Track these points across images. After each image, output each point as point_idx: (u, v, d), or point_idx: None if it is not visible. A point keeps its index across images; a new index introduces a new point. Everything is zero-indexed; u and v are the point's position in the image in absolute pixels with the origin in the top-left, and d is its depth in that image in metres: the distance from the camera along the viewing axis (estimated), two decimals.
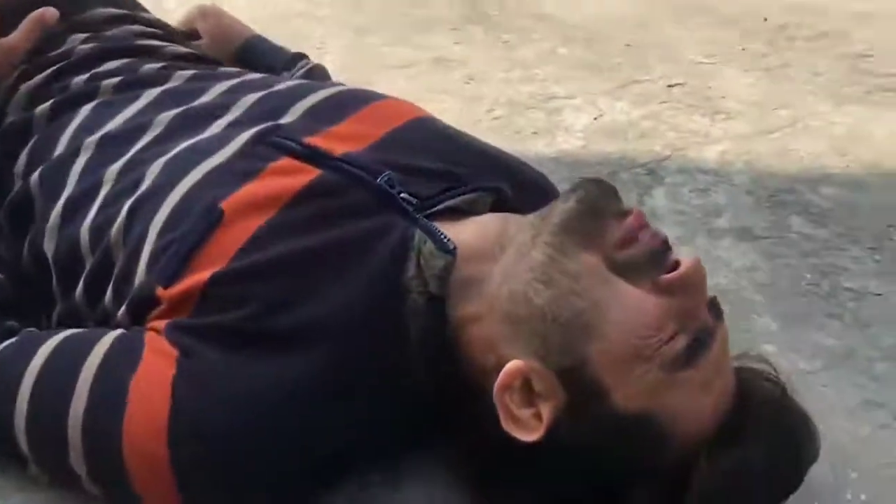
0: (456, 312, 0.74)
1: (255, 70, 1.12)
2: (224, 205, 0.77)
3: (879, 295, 1.10)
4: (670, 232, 1.21)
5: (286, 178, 0.80)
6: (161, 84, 0.94)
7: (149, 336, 0.75)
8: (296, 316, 0.73)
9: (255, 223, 0.77)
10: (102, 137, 0.88)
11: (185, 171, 0.81)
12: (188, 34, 1.22)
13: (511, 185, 0.89)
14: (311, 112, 0.89)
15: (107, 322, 0.81)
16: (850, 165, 1.41)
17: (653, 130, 1.51)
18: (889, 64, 1.72)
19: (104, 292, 0.81)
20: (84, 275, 0.83)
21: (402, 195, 0.80)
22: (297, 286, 0.74)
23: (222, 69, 1.03)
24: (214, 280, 0.74)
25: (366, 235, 0.77)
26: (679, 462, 0.70)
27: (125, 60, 0.99)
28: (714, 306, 0.73)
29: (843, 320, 1.06)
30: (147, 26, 1.11)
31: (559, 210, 0.73)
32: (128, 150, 0.87)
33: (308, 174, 0.81)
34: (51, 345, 0.75)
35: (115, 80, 0.95)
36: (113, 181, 0.84)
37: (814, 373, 0.97)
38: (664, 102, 1.61)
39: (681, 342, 0.69)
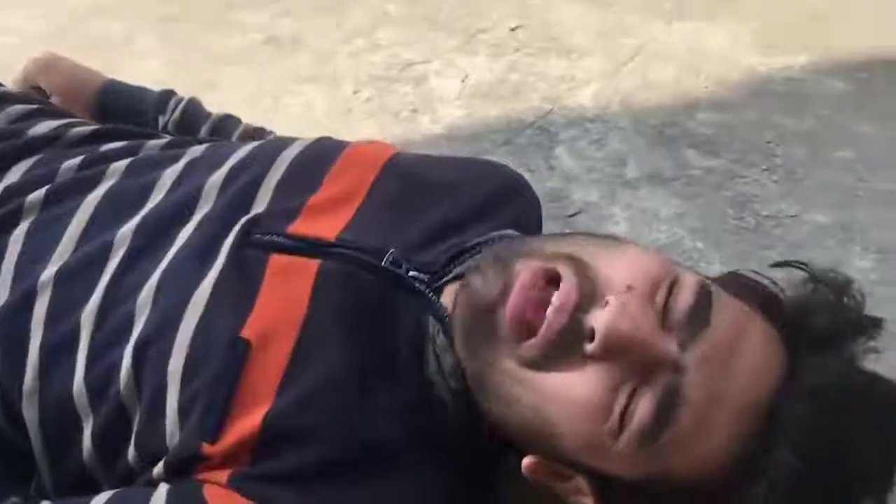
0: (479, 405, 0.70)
1: (123, 117, 1.02)
2: (246, 334, 0.70)
3: (794, 216, 1.20)
4: (590, 193, 1.26)
5: (290, 281, 0.73)
6: (93, 187, 0.82)
7: (210, 491, 0.67)
8: (359, 441, 0.68)
9: (285, 347, 0.69)
10: (59, 274, 0.76)
11: (182, 302, 0.72)
12: (38, 93, 1.07)
13: (506, 207, 0.86)
14: (283, 187, 0.81)
15: (131, 478, 0.72)
16: (708, 87, 1.50)
17: (522, 84, 1.52)
18: None
19: (122, 449, 0.72)
20: (91, 433, 0.73)
21: (410, 274, 0.75)
22: (349, 409, 0.68)
23: (147, 144, 0.90)
24: (268, 424, 0.66)
25: (389, 332, 0.72)
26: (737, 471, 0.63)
27: (32, 159, 0.85)
28: (694, 316, 0.62)
29: (778, 250, 1.14)
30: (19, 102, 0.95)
31: (457, 320, 0.68)
32: (96, 284, 0.75)
33: (308, 271, 0.73)
34: None
35: (39, 192, 0.81)
36: (93, 325, 0.73)
37: None
38: (518, 50, 1.62)
39: (644, 404, 0.61)
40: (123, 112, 1.06)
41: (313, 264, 0.73)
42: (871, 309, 0.65)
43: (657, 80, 1.52)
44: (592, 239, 0.71)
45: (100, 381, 0.71)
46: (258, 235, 0.75)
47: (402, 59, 1.60)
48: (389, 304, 0.73)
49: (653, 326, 0.61)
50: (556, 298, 0.63)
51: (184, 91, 1.06)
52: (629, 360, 0.61)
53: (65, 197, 0.81)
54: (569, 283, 0.63)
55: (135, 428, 0.71)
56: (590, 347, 0.61)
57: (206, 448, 0.66)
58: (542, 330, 0.62)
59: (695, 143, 1.36)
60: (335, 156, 0.84)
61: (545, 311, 0.63)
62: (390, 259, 0.74)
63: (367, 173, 0.82)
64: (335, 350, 0.70)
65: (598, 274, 0.64)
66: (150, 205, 0.79)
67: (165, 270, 0.74)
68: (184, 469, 0.67)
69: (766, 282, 0.70)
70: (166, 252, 0.75)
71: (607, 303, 0.61)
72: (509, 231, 0.78)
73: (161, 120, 1.07)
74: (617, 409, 0.61)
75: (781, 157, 1.32)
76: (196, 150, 0.86)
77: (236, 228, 0.75)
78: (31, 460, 0.76)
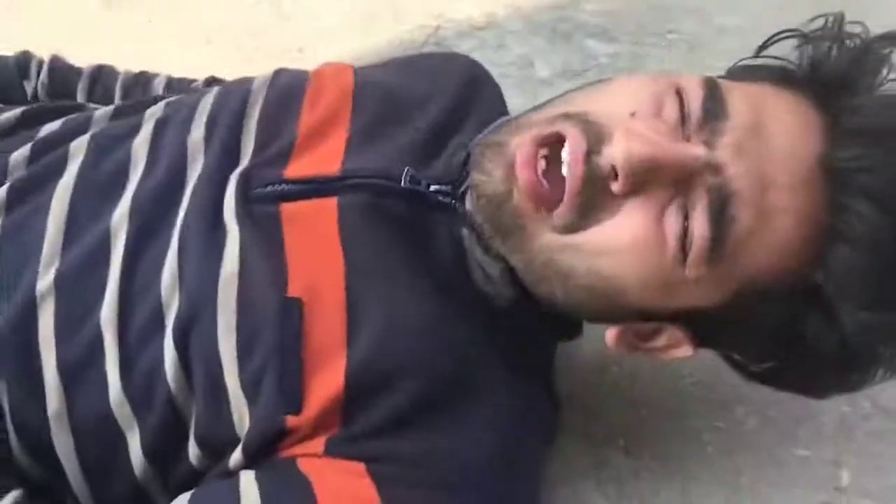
0: (539, 299, 0.68)
1: None
2: (294, 292, 0.63)
3: None
4: (512, 97, 1.24)
5: (313, 228, 0.67)
6: (58, 175, 0.71)
7: (307, 465, 0.61)
8: (440, 367, 0.64)
9: (338, 295, 0.64)
10: (59, 280, 0.66)
11: (212, 279, 0.64)
12: None
13: (480, 95, 0.83)
14: (263, 129, 0.74)
15: (195, 481, 0.65)
16: None
17: (398, 4, 1.46)
18: None
19: (181, 452, 0.65)
20: (141, 445, 0.65)
21: (431, 189, 0.70)
22: (421, 339, 0.64)
23: (94, 116, 0.79)
24: (351, 378, 0.61)
25: (430, 253, 0.68)
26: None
27: None
28: (709, 113, 0.59)
29: None
30: None
31: (483, 222, 0.66)
32: (105, 282, 0.66)
33: (328, 211, 0.68)
34: None
35: None
36: (116, 328, 0.64)
37: None
38: None
39: (697, 218, 0.58)
40: None
41: (330, 203, 0.68)
42: None
43: None
44: (575, 92, 0.68)
45: (142, 387, 0.64)
46: (258, 189, 0.69)
47: None
48: (421, 225, 0.69)
49: (669, 137, 0.59)
50: (565, 154, 0.60)
51: None
52: (662, 181, 0.58)
53: (28, 192, 0.71)
54: (571, 133, 0.60)
55: (192, 424, 0.64)
56: (616, 186, 0.59)
57: (291, 420, 0.60)
58: (567, 189, 0.60)
59: (591, 32, 1.36)
60: (302, 86, 0.78)
61: (559, 173, 0.60)
62: (408, 178, 0.69)
63: (341, 98, 0.77)
64: (387, 285, 0.65)
65: (598, 115, 0.61)
66: (133, 181, 0.71)
67: (181, 250, 0.66)
68: (268, 449, 0.62)
69: (769, 60, 0.68)
70: (172, 229, 0.67)
71: (614, 136, 0.59)
72: (501, 119, 0.75)
73: (28, 86, 0.96)
74: (671, 236, 0.59)
75: (675, 33, 1.34)
76: (155, 111, 0.78)
77: (231, 188, 0.68)
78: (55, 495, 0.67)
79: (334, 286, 0.64)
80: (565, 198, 0.60)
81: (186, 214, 0.68)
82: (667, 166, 0.58)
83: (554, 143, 0.62)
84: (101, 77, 0.99)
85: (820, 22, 0.66)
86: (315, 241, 0.66)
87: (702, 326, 0.65)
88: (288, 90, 0.77)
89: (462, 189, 0.70)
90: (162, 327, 0.64)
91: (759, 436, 0.83)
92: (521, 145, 0.62)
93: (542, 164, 0.61)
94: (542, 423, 0.71)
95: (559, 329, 0.74)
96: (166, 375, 0.63)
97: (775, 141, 0.59)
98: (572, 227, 0.61)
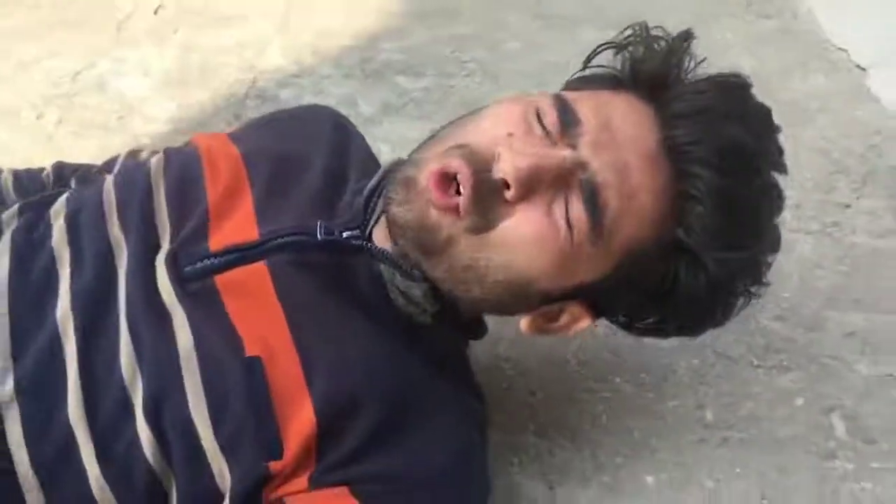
0: (460, 304, 0.79)
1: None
2: (252, 352, 0.71)
3: None
4: None
5: (250, 292, 0.75)
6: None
7: (295, 502, 0.69)
8: (393, 390, 0.74)
9: (288, 346, 0.72)
10: (18, 386, 0.70)
11: (170, 358, 0.71)
12: None
13: (350, 139, 0.94)
14: (174, 208, 0.80)
15: None
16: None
17: (206, 62, 1.51)
18: None
19: None
20: None
21: (344, 236, 0.79)
22: (369, 370, 0.74)
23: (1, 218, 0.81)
24: (321, 414, 0.70)
25: (357, 294, 0.78)
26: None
27: None
28: (565, 121, 0.71)
29: None
30: None
31: (409, 246, 0.76)
32: (65, 380, 0.70)
33: (260, 275, 0.75)
34: None
35: None
36: (85, 421, 0.69)
37: None
38: (176, 31, 1.59)
39: (576, 206, 0.70)
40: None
41: (259, 267, 0.76)
42: None
43: (308, 23, 1.60)
44: (458, 122, 0.79)
45: (121, 469, 0.70)
46: (188, 268, 0.75)
47: (64, 71, 1.48)
48: (342, 270, 0.78)
49: (543, 148, 0.71)
50: (459, 177, 0.71)
51: None
52: (544, 184, 0.70)
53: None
54: (457, 163, 0.71)
55: (174, 492, 0.70)
56: (509, 194, 0.70)
57: (274, 465, 0.68)
58: (463, 195, 0.70)
59: (398, 70, 1.49)
60: (198, 163, 0.84)
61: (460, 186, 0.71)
62: (322, 230, 0.78)
63: (236, 168, 0.84)
64: (327, 329, 0.74)
65: (479, 144, 0.72)
66: (65, 279, 0.76)
67: (133, 336, 0.72)
68: (253, 497, 0.69)
69: (598, 70, 0.81)
70: (117, 318, 0.73)
71: (500, 154, 0.71)
72: (393, 161, 0.84)
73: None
74: (561, 224, 0.70)
75: (475, 63, 1.50)
76: (59, 208, 0.81)
77: (162, 272, 0.75)
78: None
79: (283, 339, 0.72)
80: (464, 201, 0.70)
81: (129, 303, 0.72)
82: (545, 170, 0.69)
83: (449, 174, 0.72)
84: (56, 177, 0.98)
85: (629, 31, 0.80)
86: (254, 303, 0.73)
87: (596, 297, 0.78)
88: (186, 169, 0.83)
89: (368, 230, 0.80)
90: (130, 410, 0.69)
91: (637, 398, 0.99)
92: (429, 175, 0.72)
93: (451, 187, 0.72)
94: (478, 418, 0.82)
95: (470, 332, 0.86)
96: (144, 453, 0.68)
97: (622, 134, 0.72)
98: (482, 227, 0.71)
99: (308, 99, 1.42)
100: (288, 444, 0.69)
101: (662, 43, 0.78)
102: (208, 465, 0.69)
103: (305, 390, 0.70)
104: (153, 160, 0.85)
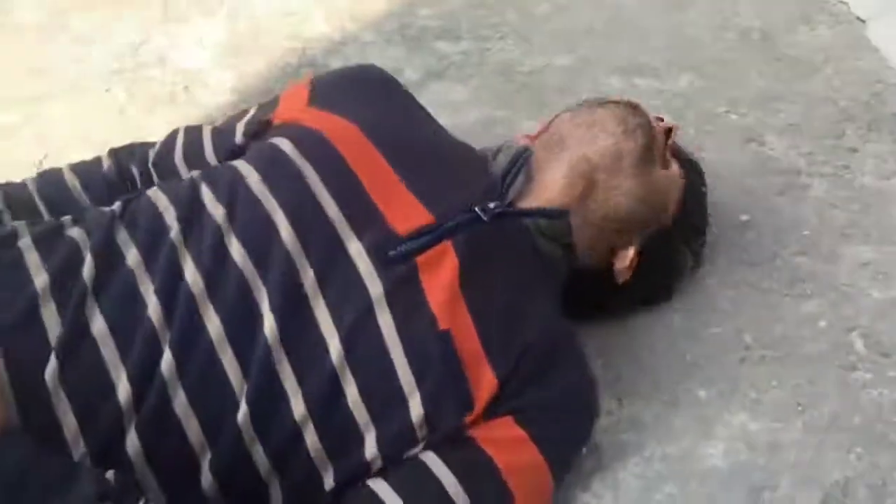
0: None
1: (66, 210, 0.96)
2: (443, 327, 0.83)
3: (547, 64, 1.53)
4: None
5: (439, 270, 0.86)
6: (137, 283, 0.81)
7: (476, 433, 0.84)
8: (545, 338, 0.90)
9: (467, 318, 0.85)
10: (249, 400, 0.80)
11: (378, 339, 0.82)
12: None
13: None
14: (342, 203, 0.87)
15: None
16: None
17: (256, 31, 1.61)
18: None
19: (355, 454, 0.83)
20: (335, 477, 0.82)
21: (496, 210, 0.92)
22: (531, 329, 0.89)
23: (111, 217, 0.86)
24: (501, 376, 0.85)
25: (517, 257, 0.93)
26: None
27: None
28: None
29: (544, 95, 1.47)
30: None
31: (627, 150, 0.98)
32: (283, 381, 0.81)
33: (447, 255, 0.87)
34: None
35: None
36: (316, 418, 0.82)
37: None
38: (223, 3, 1.68)
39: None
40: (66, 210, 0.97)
41: (446, 247, 0.87)
42: None
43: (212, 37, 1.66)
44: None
45: (338, 436, 0.82)
46: (392, 252, 0.85)
47: (123, 46, 1.58)
48: (500, 237, 0.91)
49: None
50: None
51: None
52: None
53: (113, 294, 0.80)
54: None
55: (375, 441, 0.82)
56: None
57: (468, 418, 0.83)
58: None
59: (437, 35, 1.60)
60: (333, 148, 0.91)
61: None
62: (482, 209, 0.91)
63: (360, 142, 0.93)
64: (499, 298, 0.88)
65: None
66: (265, 302, 0.82)
67: (338, 328, 0.82)
68: (450, 438, 0.83)
69: None
70: (323, 313, 0.83)
71: None
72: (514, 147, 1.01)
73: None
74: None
75: (507, 26, 1.62)
76: (209, 202, 0.86)
77: (364, 261, 0.84)
78: None
79: (461, 312, 0.85)
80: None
81: (326, 295, 0.83)
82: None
83: None
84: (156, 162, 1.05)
85: None
86: (442, 281, 0.85)
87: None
88: (325, 155, 0.90)
89: (508, 201, 0.94)
90: (342, 383, 0.81)
91: (687, 327, 1.14)
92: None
93: None
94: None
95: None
96: (357, 423, 0.82)
97: None
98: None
99: None
100: (478, 401, 0.83)
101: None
102: (411, 422, 0.82)
103: (485, 359, 0.85)
104: (281, 145, 0.91)
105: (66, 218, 0.86)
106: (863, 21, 1.62)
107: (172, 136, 1.06)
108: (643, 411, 1.05)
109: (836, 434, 1.02)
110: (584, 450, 0.96)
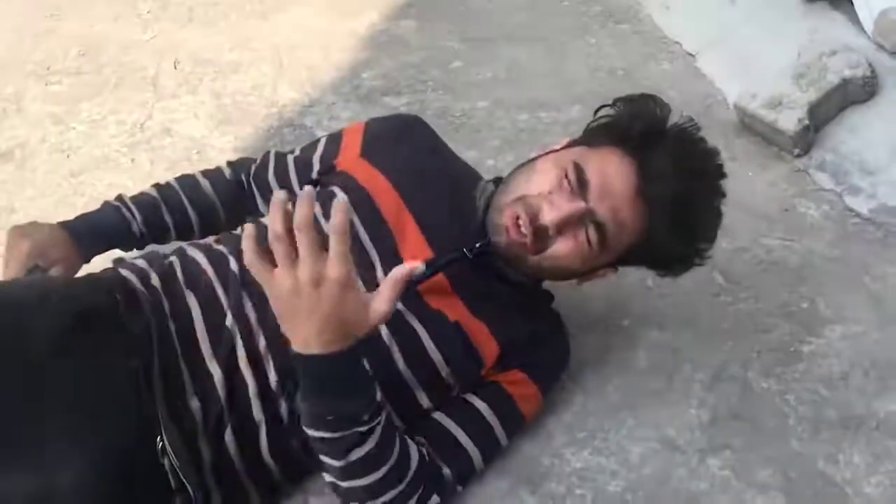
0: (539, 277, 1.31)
1: (117, 245, 1.37)
2: (452, 319, 1.19)
3: (475, 108, 2.01)
4: None
5: (438, 291, 1.19)
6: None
7: (491, 377, 1.25)
8: (532, 334, 1.27)
9: (475, 319, 1.21)
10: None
11: (416, 331, 1.18)
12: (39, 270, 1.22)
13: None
14: (375, 242, 1.20)
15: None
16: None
17: (239, 102, 2.01)
18: None
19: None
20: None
21: (480, 250, 1.20)
22: (517, 323, 1.26)
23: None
24: (502, 345, 1.22)
25: (495, 276, 1.25)
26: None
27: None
28: (580, 182, 1.15)
29: (481, 135, 1.95)
30: None
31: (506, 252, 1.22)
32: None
33: (440, 279, 1.19)
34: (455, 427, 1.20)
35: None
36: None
37: None
38: (203, 80, 2.07)
39: (592, 233, 1.17)
40: (113, 245, 1.38)
41: (441, 276, 1.19)
42: None
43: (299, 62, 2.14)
44: (518, 173, 1.23)
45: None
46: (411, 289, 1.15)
47: (130, 123, 1.95)
48: (484, 265, 1.26)
49: (568, 202, 1.14)
50: (524, 228, 1.16)
51: None
52: (570, 224, 1.15)
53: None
54: (520, 212, 1.16)
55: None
56: (552, 231, 1.16)
57: (482, 372, 1.25)
58: (528, 237, 1.16)
59: (383, 91, 2.04)
60: (370, 198, 1.23)
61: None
62: (469, 249, 1.20)
63: (393, 199, 1.24)
64: (490, 305, 1.24)
65: (531, 197, 1.16)
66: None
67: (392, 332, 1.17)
68: (479, 384, 1.25)
69: (607, 119, 1.25)
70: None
71: (543, 207, 1.15)
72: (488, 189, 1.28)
73: (135, 226, 1.38)
74: (585, 244, 1.17)
75: (434, 80, 2.09)
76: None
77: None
78: None
79: (466, 313, 1.22)
80: (528, 240, 1.16)
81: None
82: (570, 217, 1.14)
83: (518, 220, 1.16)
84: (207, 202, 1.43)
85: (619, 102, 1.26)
86: (441, 298, 1.18)
87: (612, 265, 1.26)
88: (368, 207, 1.21)
89: (488, 240, 1.19)
90: (391, 354, 1.16)
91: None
92: (506, 220, 1.17)
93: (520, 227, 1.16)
94: (564, 328, 1.36)
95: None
96: (417, 395, 1.21)
97: (614, 184, 1.15)
98: (541, 249, 1.18)
99: (326, 123, 1.95)
100: (486, 361, 1.24)
101: (644, 104, 1.24)
102: (444, 379, 1.22)
103: (492, 337, 1.23)
104: (333, 195, 1.23)
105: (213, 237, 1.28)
106: (693, 56, 2.19)
107: (266, 157, 1.42)
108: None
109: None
110: (564, 376, 1.37)
